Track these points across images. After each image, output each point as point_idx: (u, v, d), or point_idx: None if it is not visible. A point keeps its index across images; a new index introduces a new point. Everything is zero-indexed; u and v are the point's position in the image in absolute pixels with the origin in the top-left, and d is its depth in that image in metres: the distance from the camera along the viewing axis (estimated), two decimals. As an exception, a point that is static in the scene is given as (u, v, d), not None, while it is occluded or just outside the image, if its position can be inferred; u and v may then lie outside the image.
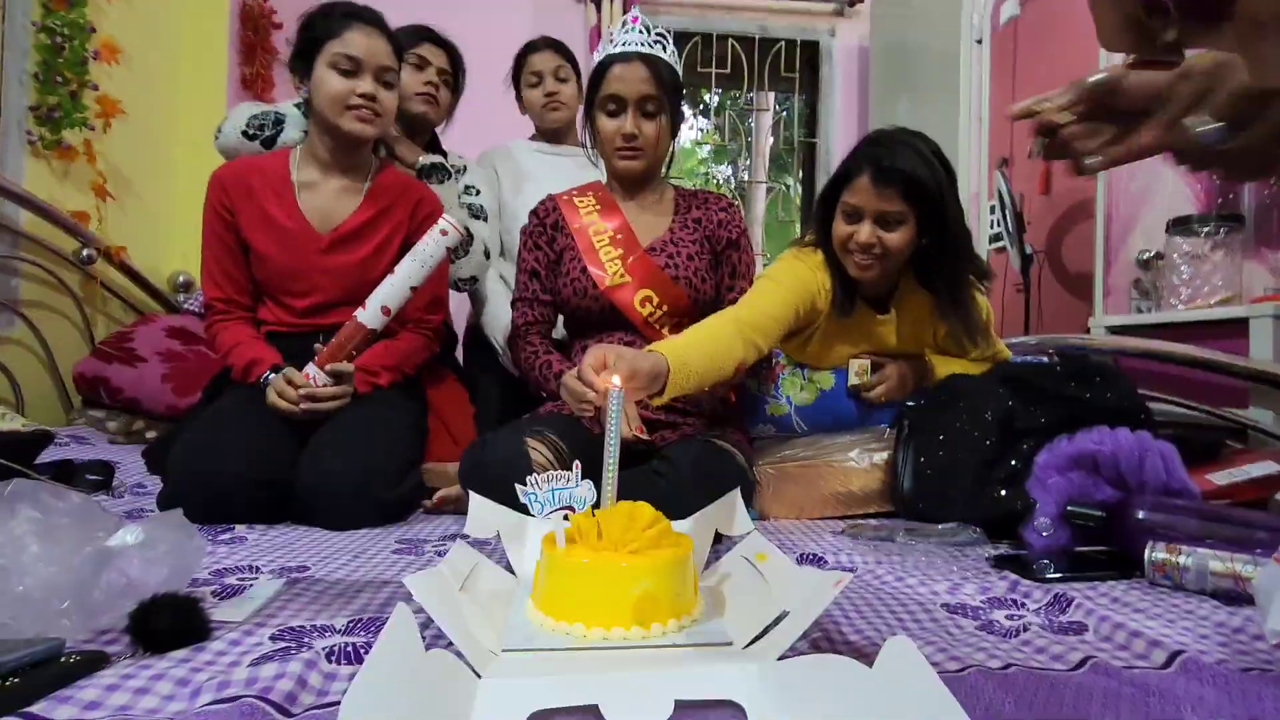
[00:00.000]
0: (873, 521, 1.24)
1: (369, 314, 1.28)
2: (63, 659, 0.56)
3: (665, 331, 1.37)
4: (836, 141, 3.13)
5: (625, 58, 1.32)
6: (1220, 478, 1.01)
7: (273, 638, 0.66)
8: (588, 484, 0.76)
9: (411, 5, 2.92)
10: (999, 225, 2.45)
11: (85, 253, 2.07)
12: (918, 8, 2.61)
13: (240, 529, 1.12)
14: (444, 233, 1.27)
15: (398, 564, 0.96)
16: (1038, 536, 1.01)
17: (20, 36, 1.89)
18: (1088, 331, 1.75)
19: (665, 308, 1.37)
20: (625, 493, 1.09)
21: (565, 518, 0.78)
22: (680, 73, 1.40)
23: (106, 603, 0.63)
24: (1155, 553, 0.85)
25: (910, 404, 1.25)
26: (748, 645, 0.62)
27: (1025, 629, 0.73)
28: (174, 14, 2.53)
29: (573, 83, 1.89)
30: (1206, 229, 1.60)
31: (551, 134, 1.91)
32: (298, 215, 1.38)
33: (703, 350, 1.10)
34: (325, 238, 1.38)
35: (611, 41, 1.36)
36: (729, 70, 3.13)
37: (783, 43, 3.09)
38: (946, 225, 1.25)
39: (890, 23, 2.87)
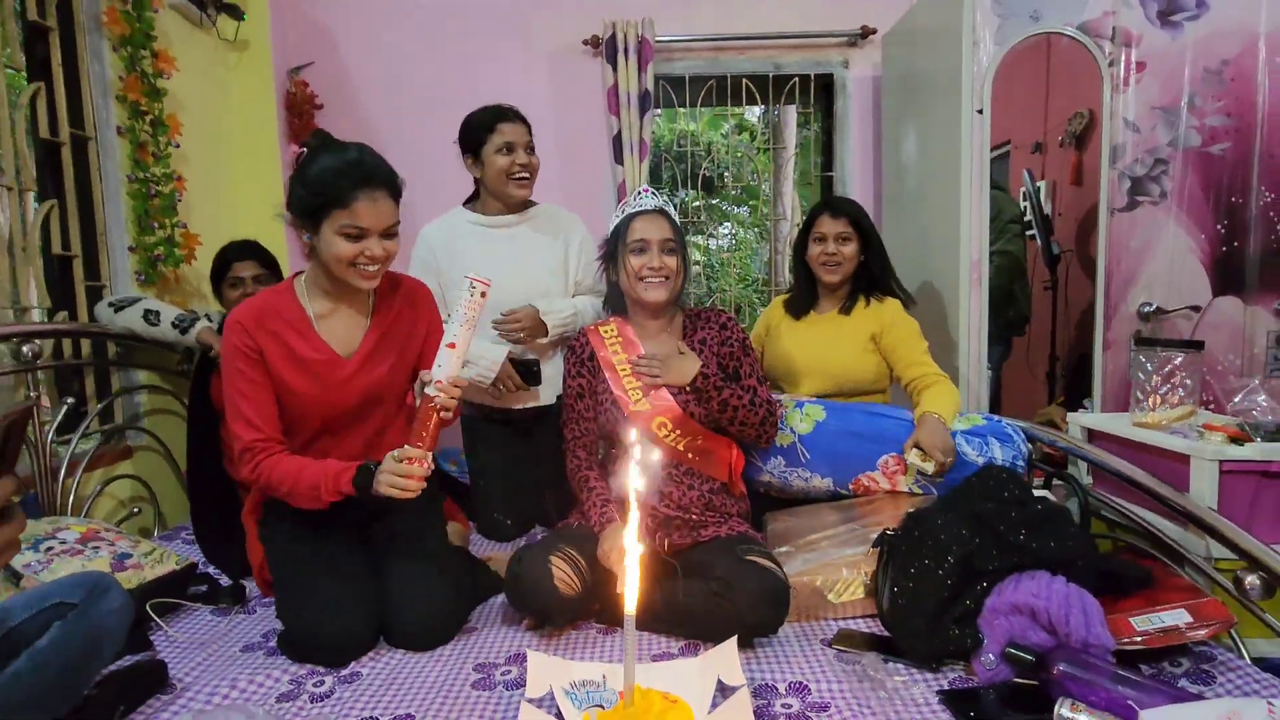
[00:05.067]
0: (862, 629, 1.47)
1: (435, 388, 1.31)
2: None
3: (680, 446, 1.64)
4: (852, 173, 3.22)
5: (646, 213, 1.68)
6: (1140, 622, 1.20)
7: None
8: (613, 690, 1.02)
9: (432, 65, 3.12)
10: (1030, 214, 2.54)
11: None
12: (925, 39, 2.62)
13: (352, 664, 1.41)
14: (479, 289, 1.31)
15: (478, 703, 1.25)
16: (984, 670, 1.24)
17: (115, 188, 2.18)
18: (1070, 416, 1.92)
19: (678, 430, 1.65)
20: (693, 614, 1.43)
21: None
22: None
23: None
24: (1063, 709, 1.07)
25: (890, 531, 1.47)
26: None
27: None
28: (230, 149, 2.75)
29: (536, 157, 1.93)
30: (1166, 353, 1.73)
31: (510, 204, 1.94)
32: (322, 346, 1.45)
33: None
34: (350, 362, 1.47)
35: (633, 204, 1.71)
36: (744, 111, 3.24)
37: (797, 78, 3.16)
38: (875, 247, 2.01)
39: (901, 50, 2.87)
